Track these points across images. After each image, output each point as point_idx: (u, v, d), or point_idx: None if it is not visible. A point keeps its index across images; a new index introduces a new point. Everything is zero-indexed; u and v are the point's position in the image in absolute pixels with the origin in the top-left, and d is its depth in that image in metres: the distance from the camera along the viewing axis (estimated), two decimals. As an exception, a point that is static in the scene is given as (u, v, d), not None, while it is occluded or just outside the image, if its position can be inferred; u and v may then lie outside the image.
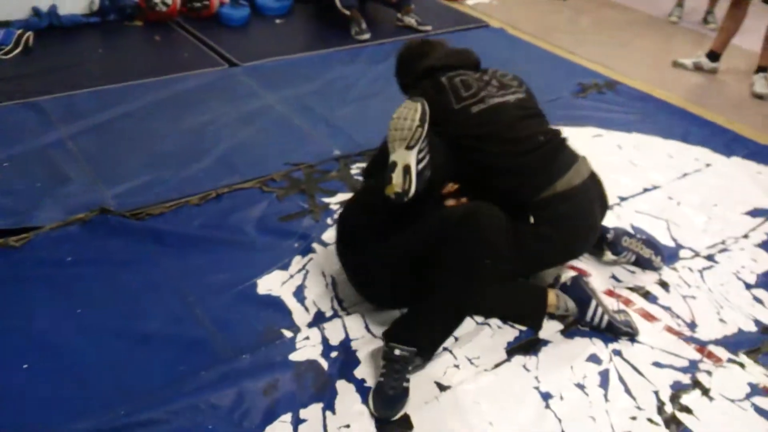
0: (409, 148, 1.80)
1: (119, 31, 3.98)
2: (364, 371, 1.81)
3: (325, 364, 1.82)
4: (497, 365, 1.86)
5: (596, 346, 1.94)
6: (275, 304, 2.03)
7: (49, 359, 1.78)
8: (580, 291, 2.01)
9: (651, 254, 2.27)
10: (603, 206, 2.12)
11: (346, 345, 1.89)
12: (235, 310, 1.99)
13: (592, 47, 4.38)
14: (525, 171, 1.99)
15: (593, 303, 1.98)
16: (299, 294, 2.07)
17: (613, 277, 2.24)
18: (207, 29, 4.04)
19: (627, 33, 4.81)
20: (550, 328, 1.99)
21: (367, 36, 4.12)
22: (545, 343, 1.94)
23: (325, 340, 1.89)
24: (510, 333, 1.97)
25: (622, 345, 1.95)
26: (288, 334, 1.91)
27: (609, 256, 2.28)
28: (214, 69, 3.59)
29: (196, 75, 3.48)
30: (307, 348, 1.86)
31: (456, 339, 1.93)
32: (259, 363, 1.80)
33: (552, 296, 2.01)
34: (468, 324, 1.98)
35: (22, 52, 3.53)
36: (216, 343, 1.86)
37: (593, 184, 2.07)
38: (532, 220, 2.05)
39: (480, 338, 1.95)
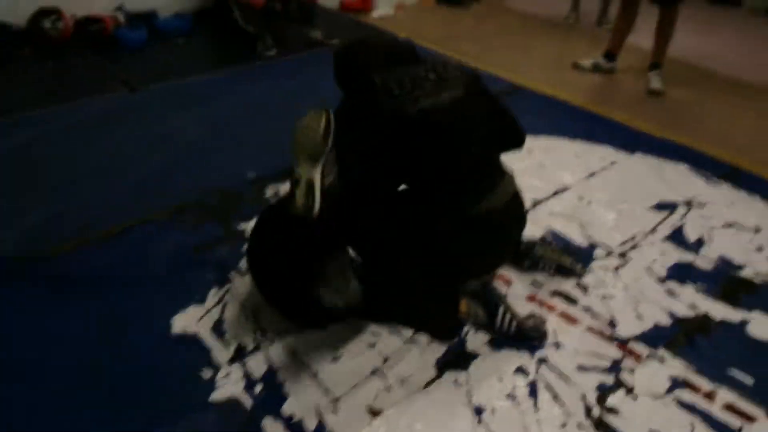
0: (313, 161, 1.71)
1: (7, 59, 3.74)
2: (293, 406, 1.75)
3: (248, 401, 1.75)
4: (429, 383, 1.84)
5: (522, 357, 1.95)
6: (192, 342, 1.94)
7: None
8: (488, 297, 2.03)
9: (571, 261, 2.31)
10: (520, 227, 2.12)
11: (270, 378, 1.82)
12: (148, 354, 1.88)
13: (495, 53, 4.48)
14: (455, 186, 1.86)
15: (501, 309, 1.99)
16: (218, 329, 1.99)
17: (534, 283, 2.27)
18: (104, 53, 3.87)
19: (527, 38, 4.96)
20: (477, 340, 2.00)
21: (273, 52, 4.06)
22: (474, 356, 1.94)
23: (247, 375, 1.82)
24: (438, 349, 1.96)
25: (548, 352, 1.97)
26: (207, 374, 1.83)
27: (527, 266, 2.31)
28: (115, 94, 3.43)
29: (95, 101, 3.32)
30: (228, 386, 1.78)
31: (385, 360, 1.90)
32: (176, 409, 1.71)
33: (462, 305, 2.01)
34: (396, 342, 1.96)
35: None
36: (127, 394, 1.75)
37: (515, 206, 2.02)
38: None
39: (410, 356, 1.93)
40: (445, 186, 1.85)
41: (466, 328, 2.03)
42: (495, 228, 1.93)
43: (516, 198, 2.02)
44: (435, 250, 1.87)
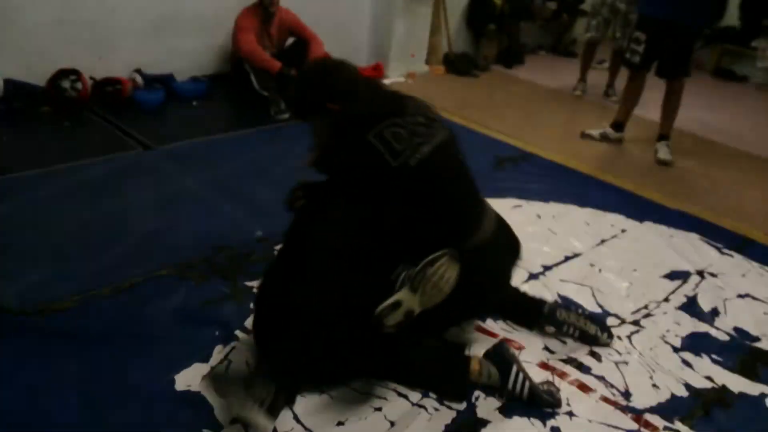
0: (422, 305, 1.76)
1: (26, 117, 3.82)
2: (297, 471, 1.68)
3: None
4: (437, 451, 1.78)
5: (535, 426, 1.88)
6: (195, 401, 1.88)
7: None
8: (501, 357, 1.96)
9: (597, 330, 2.24)
10: (513, 253, 2.10)
11: (275, 444, 1.76)
12: (149, 413, 1.82)
13: (505, 121, 4.55)
14: (447, 228, 1.88)
15: (514, 369, 1.92)
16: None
17: (546, 348, 2.22)
18: (121, 113, 3.94)
19: (537, 107, 5.05)
20: (487, 406, 1.93)
21: (286, 115, 4.13)
22: (484, 423, 1.87)
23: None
24: (447, 414, 1.90)
25: (560, 422, 1.91)
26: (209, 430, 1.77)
27: (550, 329, 2.27)
28: (128, 153, 3.48)
29: (108, 160, 3.36)
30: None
31: (392, 424, 1.84)
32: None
33: (474, 363, 1.95)
34: (403, 406, 1.91)
35: None
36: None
37: (501, 230, 2.04)
38: None
39: (417, 422, 1.86)
40: (443, 227, 1.86)
41: (476, 393, 1.97)
42: (490, 257, 1.93)
43: (502, 223, 2.05)
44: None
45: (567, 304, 2.47)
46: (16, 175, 3.10)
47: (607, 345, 2.24)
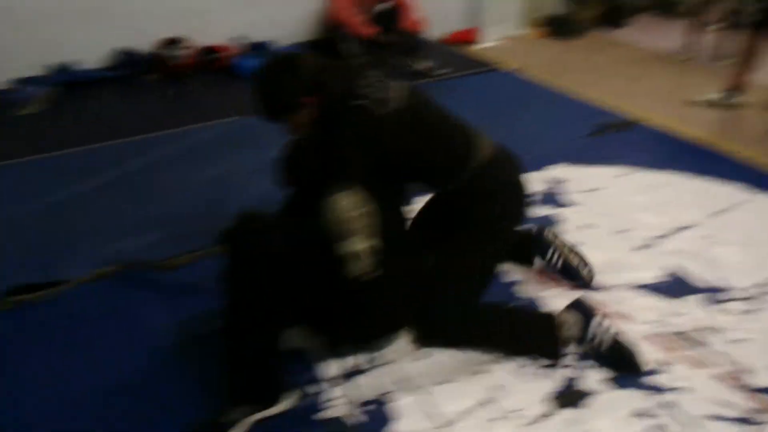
0: (369, 234, 1.73)
1: (136, 84, 4.01)
2: (402, 425, 1.71)
3: (355, 421, 1.73)
4: (538, 419, 1.76)
5: (644, 398, 1.83)
6: (302, 356, 1.94)
7: (72, 417, 1.71)
8: (582, 307, 1.99)
9: (579, 263, 2.27)
10: (514, 166, 2.08)
11: (377, 400, 1.80)
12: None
13: (606, 87, 4.36)
14: (446, 154, 1.96)
15: (596, 318, 1.94)
16: (331, 347, 1.97)
17: (654, 321, 2.14)
18: (222, 81, 4.06)
19: (640, 71, 4.80)
20: (593, 376, 1.89)
21: (380, 82, 4.11)
22: (589, 394, 1.83)
23: (354, 395, 1.80)
24: (553, 383, 1.87)
25: (672, 396, 1.84)
26: (316, 387, 1.83)
27: (537, 261, 2.30)
28: (230, 119, 3.58)
29: (212, 126, 3.47)
30: (336, 405, 1.77)
31: (493, 390, 1.84)
32: (287, 422, 1.71)
33: (557, 317, 1.96)
34: (504, 373, 1.90)
35: (42, 108, 3.54)
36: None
37: (500, 149, 2.07)
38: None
39: (519, 389, 1.85)
40: (438, 156, 1.95)
41: (583, 364, 1.93)
42: (494, 173, 1.99)
43: (498, 146, 2.07)
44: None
45: (673, 279, 2.37)
46: (126, 140, 3.26)
47: (587, 281, 2.25)
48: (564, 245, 2.32)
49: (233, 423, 1.66)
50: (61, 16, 3.81)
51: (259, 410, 1.70)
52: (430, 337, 1.96)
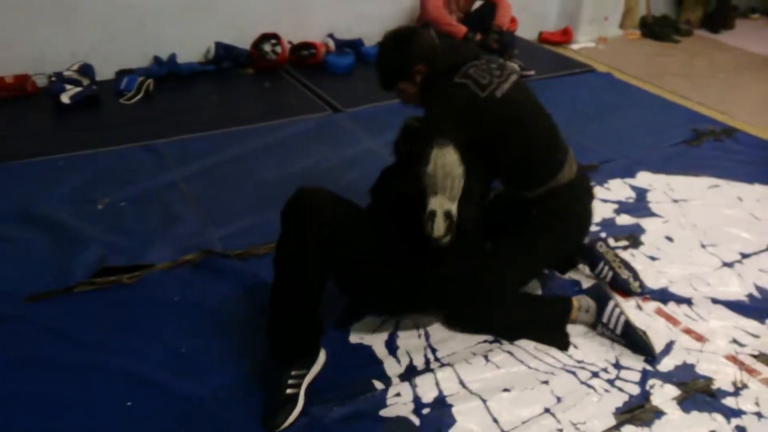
0: (452, 196, 1.75)
1: (232, 78, 4.19)
2: (461, 429, 1.73)
3: (416, 420, 1.76)
4: (604, 434, 1.73)
5: (716, 422, 1.77)
6: (366, 353, 2.00)
7: (152, 398, 1.82)
8: (598, 292, 2.07)
9: (629, 276, 2.28)
10: (591, 197, 2.20)
11: (439, 400, 1.82)
12: (329, 357, 1.96)
13: (706, 92, 4.17)
14: (536, 159, 2.05)
15: (611, 303, 2.02)
16: (391, 343, 2.03)
17: (735, 341, 2.06)
18: (313, 76, 4.17)
19: (744, 77, 4.55)
20: (663, 395, 1.85)
21: (469, 81, 4.11)
22: (659, 414, 1.79)
23: (417, 398, 1.82)
24: (618, 397, 1.84)
25: (747, 421, 1.77)
26: (379, 385, 1.87)
27: (585, 270, 2.36)
28: (319, 114, 3.69)
29: (301, 120, 3.58)
30: (398, 405, 1.80)
31: (559, 400, 1.83)
32: (350, 416, 1.76)
33: (573, 301, 2.07)
34: (571, 382, 1.88)
35: (143, 98, 3.77)
36: (310, 392, 1.83)
37: (583, 174, 2.18)
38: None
39: (586, 401, 1.83)
40: (530, 155, 2.03)
41: (651, 380, 1.89)
42: (577, 193, 2.11)
43: (580, 167, 2.16)
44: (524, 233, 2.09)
45: (762, 298, 2.26)
46: (222, 131, 3.43)
47: (636, 293, 2.27)
48: (616, 257, 2.32)
49: (287, 383, 1.75)
50: (165, 11, 4.03)
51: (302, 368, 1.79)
52: (457, 315, 2.07)
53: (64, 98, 3.58)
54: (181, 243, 2.47)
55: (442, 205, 1.74)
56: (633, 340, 1.98)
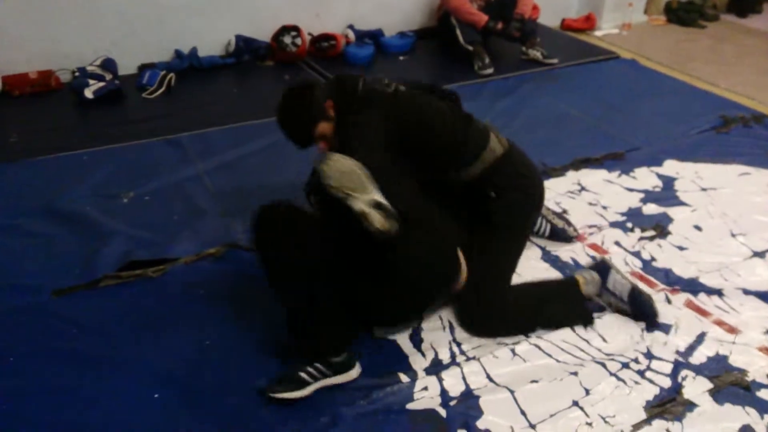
0: (367, 189, 1.72)
1: (252, 70, 4.18)
2: (489, 424, 1.71)
3: (443, 412, 1.75)
4: (636, 426, 1.70)
5: (750, 416, 1.73)
6: (391, 348, 1.98)
7: (179, 390, 1.83)
8: (600, 264, 2.12)
9: (564, 224, 2.41)
10: (532, 164, 2.25)
11: (466, 393, 1.80)
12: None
13: (735, 78, 4.08)
14: (457, 133, 2.09)
15: (613, 270, 2.06)
16: (415, 338, 2.01)
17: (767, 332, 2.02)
18: (333, 68, 4.14)
19: (774, 62, 4.44)
20: (696, 388, 1.81)
21: (490, 71, 4.07)
22: (690, 407, 1.75)
23: (444, 392, 1.81)
24: (649, 390, 1.81)
25: (782, 413, 1.73)
26: (405, 378, 1.86)
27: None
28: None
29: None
30: (426, 399, 1.79)
31: (587, 392, 1.80)
32: (376, 410, 1.75)
33: (578, 277, 2.08)
34: (600, 374, 1.85)
35: (165, 92, 3.78)
36: (337, 386, 1.83)
37: (513, 143, 2.20)
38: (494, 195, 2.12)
39: (615, 394, 1.80)
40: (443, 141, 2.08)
41: (683, 372, 1.86)
42: (521, 158, 2.18)
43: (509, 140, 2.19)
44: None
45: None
46: (244, 124, 3.42)
47: (573, 239, 2.41)
48: (548, 210, 2.44)
49: (305, 369, 1.79)
50: (186, 5, 4.03)
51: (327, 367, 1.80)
52: (472, 326, 2.03)
53: (88, 93, 3.60)
54: (205, 236, 2.47)
55: (364, 200, 1.71)
56: (639, 303, 2.02)
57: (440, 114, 2.11)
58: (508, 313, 2.04)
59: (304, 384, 1.77)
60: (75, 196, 2.73)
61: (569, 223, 2.44)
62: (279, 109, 2.18)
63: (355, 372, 1.84)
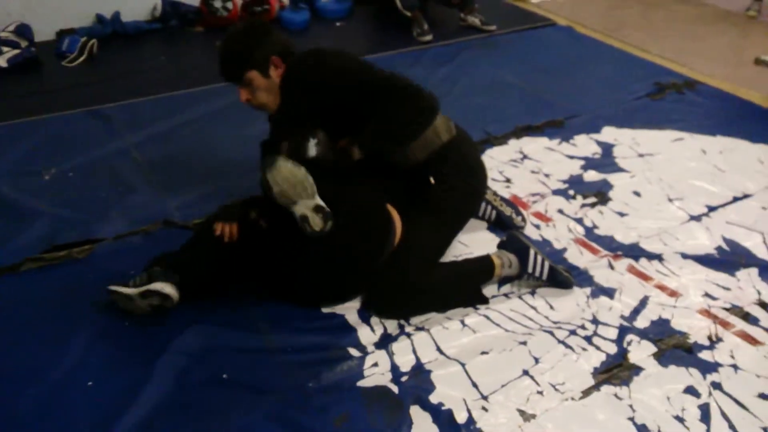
0: (310, 195, 1.80)
1: (181, 36, 3.99)
2: (441, 397, 1.69)
3: (395, 389, 1.71)
4: (585, 393, 1.71)
5: (693, 377, 1.76)
6: (340, 322, 1.93)
7: (114, 377, 1.72)
8: (516, 243, 2.06)
9: (512, 212, 2.33)
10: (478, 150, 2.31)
11: (417, 368, 1.77)
12: (301, 331, 1.89)
13: (666, 44, 4.15)
14: (397, 103, 1.96)
15: (532, 252, 2.02)
16: (363, 312, 1.96)
17: (707, 294, 2.06)
18: (267, 33, 3.99)
19: (703, 29, 4.55)
20: (641, 352, 1.84)
21: (429, 37, 4.00)
22: (636, 371, 1.78)
23: (395, 367, 1.77)
24: (596, 356, 1.83)
25: (722, 376, 1.77)
26: (355, 353, 1.81)
27: None
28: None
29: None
30: (376, 375, 1.75)
31: (537, 361, 1.80)
32: (328, 389, 1.70)
33: (494, 258, 2.03)
34: (548, 342, 1.86)
35: (87, 60, 3.56)
36: (284, 365, 1.77)
37: (463, 130, 2.17)
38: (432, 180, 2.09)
39: (564, 361, 1.80)
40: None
41: (628, 336, 1.88)
42: (467, 146, 2.18)
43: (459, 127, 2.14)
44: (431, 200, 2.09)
45: (730, 248, 2.27)
46: (174, 93, 3.26)
47: (521, 228, 2.32)
48: (495, 196, 2.36)
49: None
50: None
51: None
52: (381, 304, 1.96)
53: (1, 62, 3.37)
54: (134, 214, 2.34)
55: (308, 206, 1.79)
56: (557, 280, 2.04)
57: (382, 80, 2.01)
58: (422, 296, 1.98)
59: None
60: (-10, 174, 2.54)
61: (518, 212, 2.35)
62: (228, 33, 2.08)
63: (167, 288, 1.83)
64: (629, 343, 1.86)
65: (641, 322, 1.95)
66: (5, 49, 3.42)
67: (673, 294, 2.06)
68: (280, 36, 2.08)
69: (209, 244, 1.89)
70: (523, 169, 2.73)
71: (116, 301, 1.86)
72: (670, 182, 2.66)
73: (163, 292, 1.81)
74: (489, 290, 2.04)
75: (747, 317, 1.98)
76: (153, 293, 1.81)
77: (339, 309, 1.97)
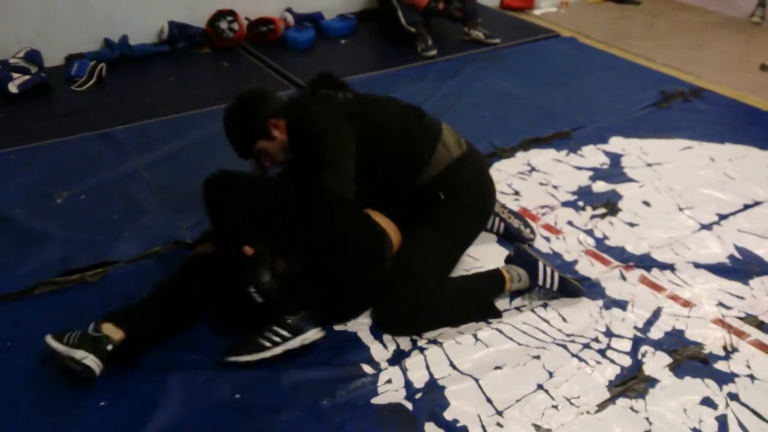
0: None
1: (188, 58, 4.02)
2: (456, 414, 1.68)
3: (410, 405, 1.70)
4: (600, 406, 1.70)
5: (709, 388, 1.75)
6: (352, 339, 1.93)
7: (127, 396, 1.73)
8: (525, 256, 2.06)
9: (520, 225, 2.33)
10: (486, 167, 2.26)
11: (431, 384, 1.77)
12: (313, 349, 1.87)
13: (671, 53, 4.15)
14: (416, 143, 2.06)
15: (540, 264, 2.02)
16: (375, 329, 1.96)
17: (721, 304, 2.05)
18: (273, 53, 4.03)
19: (707, 36, 4.55)
20: (656, 363, 1.82)
21: (434, 52, 4.02)
22: (652, 383, 1.76)
23: (408, 384, 1.76)
24: (610, 369, 1.81)
25: (739, 387, 1.75)
26: (369, 370, 1.81)
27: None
28: (282, 93, 3.55)
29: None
30: (390, 392, 1.74)
31: (551, 375, 1.79)
32: (342, 407, 1.69)
33: (504, 272, 2.03)
34: (562, 356, 1.85)
35: (96, 84, 3.59)
36: (296, 384, 1.77)
37: (473, 146, 2.20)
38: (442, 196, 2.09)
39: (579, 375, 1.79)
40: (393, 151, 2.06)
41: (643, 348, 1.87)
42: (476, 163, 2.18)
43: (469, 143, 2.18)
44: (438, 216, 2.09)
45: (743, 259, 2.25)
46: (182, 114, 3.28)
47: (530, 240, 2.32)
48: (503, 208, 2.36)
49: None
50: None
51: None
52: (392, 322, 1.95)
53: (12, 88, 3.39)
54: (146, 235, 2.35)
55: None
56: (569, 289, 2.03)
57: (392, 114, 2.11)
58: (433, 311, 1.98)
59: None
60: (3, 198, 2.56)
61: (527, 224, 2.34)
62: (224, 118, 2.12)
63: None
64: (644, 355, 1.85)
65: (655, 334, 1.94)
66: (15, 75, 3.45)
67: (686, 304, 2.05)
68: (268, 98, 2.10)
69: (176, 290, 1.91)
70: (532, 181, 2.73)
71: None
72: (680, 191, 2.65)
73: (83, 363, 1.69)
74: (501, 303, 2.04)
75: (762, 326, 1.96)
76: (73, 361, 1.70)
77: (351, 326, 1.97)
